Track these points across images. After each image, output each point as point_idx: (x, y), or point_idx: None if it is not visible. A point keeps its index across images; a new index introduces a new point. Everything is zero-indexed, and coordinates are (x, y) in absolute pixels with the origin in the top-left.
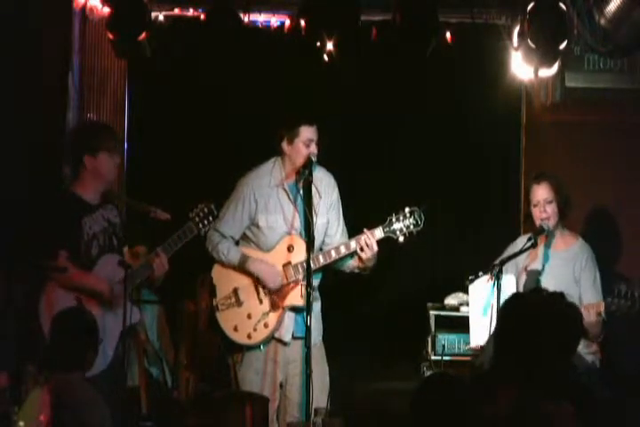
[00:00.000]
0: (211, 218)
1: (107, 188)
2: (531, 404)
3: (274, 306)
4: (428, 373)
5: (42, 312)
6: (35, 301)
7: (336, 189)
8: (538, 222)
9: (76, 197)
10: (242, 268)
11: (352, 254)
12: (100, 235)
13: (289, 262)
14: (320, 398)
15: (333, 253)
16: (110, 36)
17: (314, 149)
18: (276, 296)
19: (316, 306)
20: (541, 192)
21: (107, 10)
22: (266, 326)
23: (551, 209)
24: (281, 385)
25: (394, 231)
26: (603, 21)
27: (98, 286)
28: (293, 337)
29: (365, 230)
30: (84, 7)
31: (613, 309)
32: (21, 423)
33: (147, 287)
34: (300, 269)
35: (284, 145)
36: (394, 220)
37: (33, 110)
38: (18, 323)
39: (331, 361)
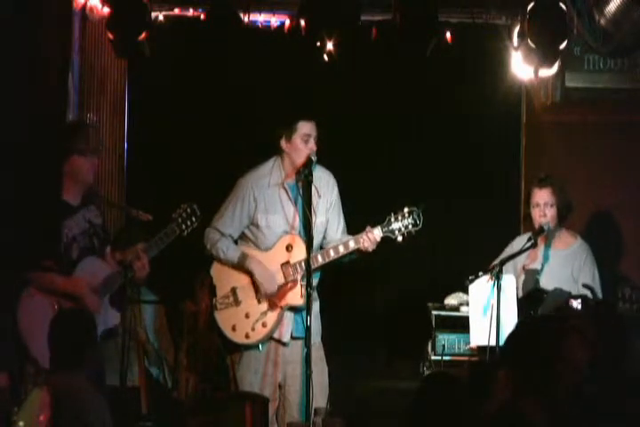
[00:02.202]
0: (194, 218)
1: (87, 189)
2: (514, 404)
3: (272, 306)
4: (427, 373)
5: (19, 317)
6: (14, 305)
7: (336, 188)
8: (537, 223)
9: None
10: (241, 266)
11: (351, 253)
12: (80, 237)
13: (287, 262)
14: (319, 399)
15: (332, 253)
16: (110, 36)
17: (312, 145)
18: (275, 296)
19: (315, 306)
20: (543, 196)
21: (107, 10)
22: (264, 325)
23: (551, 213)
24: (280, 386)
25: (392, 231)
26: (603, 21)
27: (75, 289)
28: (292, 337)
29: (365, 230)
30: (83, 7)
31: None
32: (21, 423)
33: (129, 288)
34: (299, 269)
35: (283, 143)
36: (392, 219)
37: (33, 110)
38: None
39: (330, 361)
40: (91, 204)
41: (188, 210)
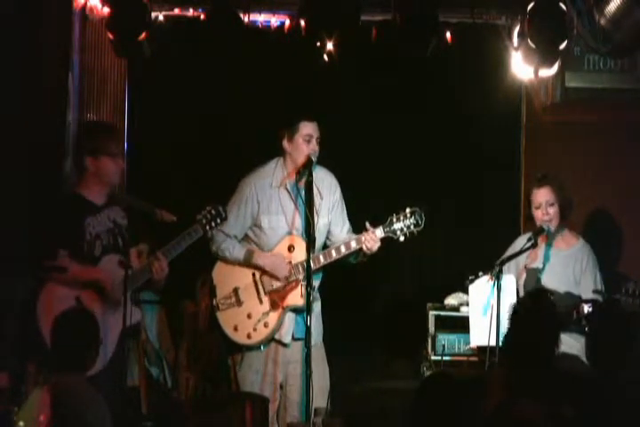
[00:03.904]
0: (219, 220)
1: (112, 189)
2: (509, 404)
3: (274, 306)
4: (427, 373)
5: (40, 313)
6: (33, 302)
7: (338, 189)
8: (539, 224)
9: (79, 198)
10: (248, 263)
11: (353, 254)
12: (103, 235)
13: (289, 262)
14: (320, 399)
15: (334, 253)
16: (110, 36)
17: (314, 145)
18: (276, 296)
19: (317, 306)
20: (543, 195)
21: (107, 10)
22: (266, 325)
23: (553, 211)
24: (281, 386)
25: (394, 231)
26: (603, 21)
27: (99, 277)
28: (293, 338)
29: (366, 230)
30: (83, 7)
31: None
32: (21, 423)
33: (149, 290)
34: (301, 269)
35: (285, 143)
36: (394, 220)
37: (33, 110)
38: (18, 323)
39: (331, 361)
40: (114, 204)
41: (213, 211)
